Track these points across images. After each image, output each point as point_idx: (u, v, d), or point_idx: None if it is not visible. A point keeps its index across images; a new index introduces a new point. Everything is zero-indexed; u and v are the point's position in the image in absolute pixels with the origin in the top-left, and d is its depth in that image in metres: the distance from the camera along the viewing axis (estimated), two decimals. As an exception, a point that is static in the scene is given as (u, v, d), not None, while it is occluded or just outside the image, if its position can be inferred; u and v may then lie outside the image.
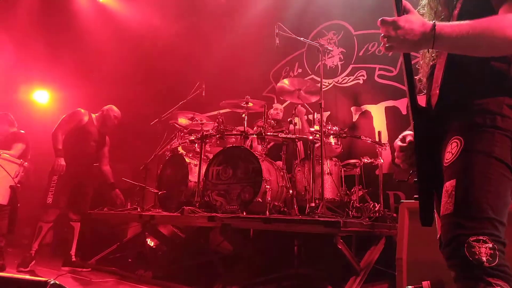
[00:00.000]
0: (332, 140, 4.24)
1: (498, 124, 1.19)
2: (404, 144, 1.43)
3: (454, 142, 1.23)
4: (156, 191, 4.64)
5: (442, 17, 1.43)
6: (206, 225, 3.74)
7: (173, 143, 4.90)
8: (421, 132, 1.31)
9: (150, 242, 4.93)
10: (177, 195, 4.44)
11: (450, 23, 1.18)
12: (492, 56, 1.21)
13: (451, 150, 1.23)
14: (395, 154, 1.48)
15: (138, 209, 4.59)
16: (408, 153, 1.42)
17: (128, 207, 4.97)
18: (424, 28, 1.15)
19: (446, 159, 1.25)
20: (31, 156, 4.60)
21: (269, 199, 3.63)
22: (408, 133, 1.44)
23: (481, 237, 1.10)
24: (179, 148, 4.88)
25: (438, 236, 1.27)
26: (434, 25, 1.14)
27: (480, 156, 1.17)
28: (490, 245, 1.09)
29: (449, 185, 1.20)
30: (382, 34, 1.20)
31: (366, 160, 4.18)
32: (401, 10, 1.21)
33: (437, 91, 1.37)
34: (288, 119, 4.85)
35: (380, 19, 1.19)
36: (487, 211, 1.13)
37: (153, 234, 4.73)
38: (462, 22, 1.16)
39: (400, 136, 1.47)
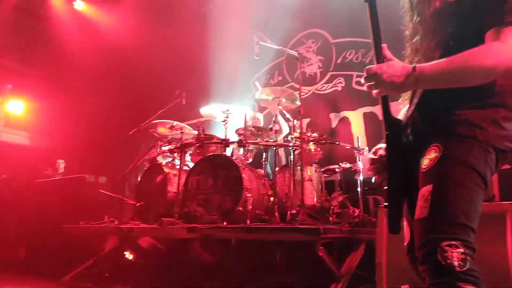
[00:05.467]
0: (311, 146, 4.26)
1: (477, 135, 1.23)
2: (375, 157, 1.49)
3: (433, 148, 1.26)
4: (134, 202, 4.54)
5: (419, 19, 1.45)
6: (186, 237, 3.68)
7: (152, 153, 4.82)
8: (393, 141, 1.35)
9: (129, 256, 4.81)
10: (156, 207, 4.35)
11: (430, 62, 1.24)
12: (474, 85, 1.24)
13: (430, 156, 1.26)
14: (367, 167, 1.54)
15: (116, 222, 4.47)
16: (379, 166, 1.47)
17: (106, 219, 4.85)
18: (406, 70, 1.21)
19: (424, 165, 1.27)
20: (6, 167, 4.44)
21: (250, 207, 3.60)
22: (381, 146, 1.49)
23: (453, 242, 1.13)
24: (158, 158, 4.80)
25: (406, 243, 1.29)
26: (414, 67, 1.20)
27: (457, 164, 1.21)
28: (462, 250, 1.12)
29: (425, 190, 1.23)
30: (364, 77, 1.26)
31: (345, 165, 4.21)
32: (381, 57, 1.28)
33: (418, 100, 1.40)
34: (269, 127, 4.85)
35: (366, 68, 1.26)
36: (460, 217, 1.16)
37: (131, 247, 4.62)
38: (440, 60, 1.22)
39: (373, 149, 1.53)
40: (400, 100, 1.58)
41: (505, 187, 2.74)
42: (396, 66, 1.23)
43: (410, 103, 1.45)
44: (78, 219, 4.71)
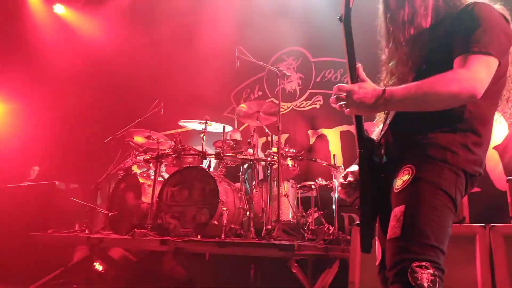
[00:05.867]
0: (289, 162, 4.28)
1: (447, 159, 1.27)
2: (345, 183, 1.52)
3: (406, 170, 1.29)
4: (106, 212, 4.43)
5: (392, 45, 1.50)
6: (158, 249, 3.60)
7: (127, 162, 4.73)
8: (365, 160, 1.38)
9: (99, 267, 4.66)
10: (129, 217, 4.26)
11: (400, 86, 1.28)
12: (442, 110, 1.28)
13: (403, 177, 1.29)
14: (339, 190, 1.57)
15: (87, 231, 4.34)
16: (350, 191, 1.51)
17: (76, 228, 4.70)
18: (376, 93, 1.25)
19: (397, 186, 1.30)
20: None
21: (226, 221, 3.56)
22: (351, 170, 1.52)
23: (423, 263, 1.15)
24: (133, 168, 4.71)
25: (377, 262, 1.31)
26: (384, 90, 1.24)
27: (428, 186, 1.24)
28: (432, 271, 1.14)
29: (398, 210, 1.25)
30: (336, 96, 1.30)
31: (321, 182, 4.24)
32: (355, 77, 1.31)
33: (391, 121, 1.45)
34: (248, 140, 4.85)
35: (337, 86, 1.29)
36: (431, 239, 1.18)
37: (101, 258, 4.48)
38: (410, 84, 1.27)
39: (344, 173, 1.56)
40: (374, 121, 1.63)
41: (474, 210, 2.82)
42: (367, 88, 1.27)
43: (384, 124, 1.49)
44: (47, 227, 4.56)
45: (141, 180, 4.38)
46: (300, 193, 4.37)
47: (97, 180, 4.69)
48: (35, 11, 7.07)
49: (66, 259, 4.78)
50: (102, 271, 4.63)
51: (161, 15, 6.77)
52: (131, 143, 4.81)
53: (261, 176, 4.73)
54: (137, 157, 4.70)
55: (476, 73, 1.22)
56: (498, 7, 1.36)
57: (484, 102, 1.31)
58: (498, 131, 3.95)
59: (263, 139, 5.50)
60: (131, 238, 3.58)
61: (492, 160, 3.92)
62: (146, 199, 4.22)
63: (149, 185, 4.31)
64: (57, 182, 5.06)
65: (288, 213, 4.08)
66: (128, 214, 4.30)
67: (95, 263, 4.47)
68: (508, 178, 2.52)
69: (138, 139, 4.85)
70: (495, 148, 3.95)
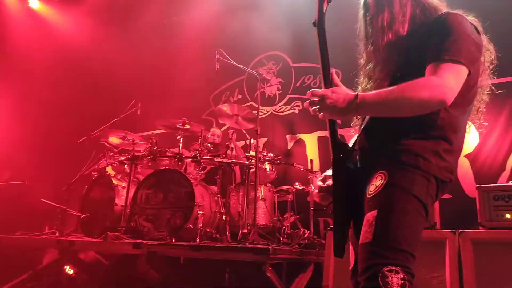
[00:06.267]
0: (267, 166, 4.29)
1: (420, 165, 1.29)
2: (324, 185, 1.52)
3: (379, 175, 1.31)
4: (78, 214, 4.31)
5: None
6: (131, 253, 3.53)
7: (101, 163, 4.64)
8: (339, 165, 1.39)
9: (69, 270, 4.53)
10: (102, 219, 4.17)
11: (372, 92, 1.31)
12: (413, 116, 1.31)
13: (375, 183, 1.30)
14: (315, 193, 1.56)
15: (57, 234, 4.22)
16: (324, 195, 1.51)
17: (46, 231, 4.55)
18: (349, 97, 1.27)
19: (370, 191, 1.31)
20: None
21: (201, 225, 3.54)
22: (329, 175, 1.52)
23: (394, 268, 1.16)
24: (108, 169, 4.61)
25: (351, 267, 1.31)
26: (356, 95, 1.26)
27: (401, 192, 1.26)
28: (402, 276, 1.15)
29: (370, 215, 1.26)
30: (310, 100, 1.32)
31: (298, 186, 4.26)
32: (329, 82, 1.32)
33: (365, 127, 1.47)
34: (226, 144, 4.83)
35: (310, 91, 1.31)
36: (402, 244, 1.20)
37: (72, 261, 4.35)
38: (382, 89, 1.30)
39: (323, 175, 1.56)
40: (352, 124, 1.64)
41: (445, 216, 2.89)
42: (339, 93, 1.28)
43: (359, 129, 1.50)
44: (15, 229, 4.40)
45: (115, 181, 4.30)
46: (277, 197, 4.38)
47: (69, 181, 4.57)
48: (9, 3, 6.84)
49: (35, 262, 4.63)
50: (73, 275, 4.51)
51: (140, 15, 6.68)
52: (106, 144, 4.73)
53: (238, 180, 4.72)
54: (112, 158, 4.60)
55: (447, 81, 1.25)
56: (470, 18, 1.41)
57: (456, 110, 1.35)
58: (470, 140, 4.07)
59: (242, 143, 5.49)
60: (103, 241, 3.51)
61: (463, 168, 4.03)
62: (120, 201, 4.15)
63: (124, 187, 4.23)
64: (26, 183, 4.90)
65: (264, 217, 4.07)
66: (100, 216, 4.22)
67: (65, 267, 4.35)
68: (477, 185, 2.59)
69: (114, 139, 4.76)
70: (466, 156, 4.07)
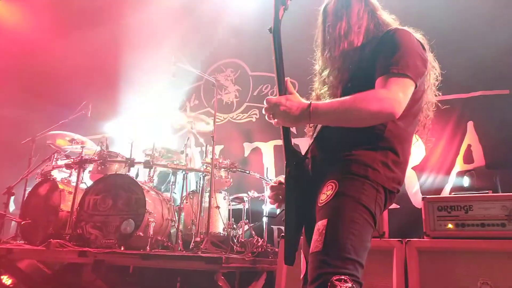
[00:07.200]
0: (222, 173, 4.25)
1: (369, 175, 1.32)
2: (275, 184, 1.54)
3: (330, 185, 1.33)
4: (19, 220, 4.04)
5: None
6: (76, 261, 3.35)
7: (47, 166, 4.39)
8: (291, 173, 1.40)
9: (7, 280, 4.23)
10: (45, 226, 3.95)
11: (325, 101, 1.35)
12: (363, 126, 1.35)
13: (326, 192, 1.32)
14: (268, 195, 1.59)
15: (-6, 241, 3.93)
16: (278, 192, 1.52)
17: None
18: (302, 106, 1.29)
19: (321, 200, 1.33)
20: None
21: (152, 233, 3.43)
22: (282, 177, 1.53)
23: (342, 277, 1.17)
24: (53, 173, 4.37)
25: (302, 276, 1.31)
26: (309, 104, 1.28)
27: (350, 201, 1.28)
28: (350, 285, 1.16)
29: (320, 224, 1.27)
30: (265, 108, 1.33)
31: (253, 194, 4.26)
32: (283, 90, 1.34)
33: (317, 135, 1.49)
34: (180, 150, 4.74)
35: (266, 99, 1.33)
36: (351, 252, 1.21)
37: (10, 270, 4.06)
38: (335, 99, 1.34)
39: (276, 179, 1.58)
40: (305, 129, 1.67)
41: (393, 225, 3.00)
42: (293, 101, 1.30)
43: (311, 138, 1.52)
44: None
45: (60, 186, 4.09)
46: (232, 205, 4.35)
47: (10, 184, 4.29)
48: None
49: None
50: (11, 285, 4.22)
51: (95, 15, 6.45)
52: (52, 146, 4.51)
53: (192, 187, 4.63)
54: (58, 161, 4.37)
55: (395, 94, 1.29)
56: (418, 36, 1.48)
57: (402, 123, 1.40)
58: (417, 153, 4.27)
59: (198, 149, 5.42)
60: (45, 249, 3.31)
61: (410, 179, 4.22)
62: (66, 207, 3.95)
63: (70, 192, 4.04)
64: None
65: (218, 225, 4.02)
66: (44, 222, 3.99)
67: (2, 277, 4.05)
68: (423, 196, 2.71)
69: (61, 142, 4.54)
70: (413, 168, 4.26)
